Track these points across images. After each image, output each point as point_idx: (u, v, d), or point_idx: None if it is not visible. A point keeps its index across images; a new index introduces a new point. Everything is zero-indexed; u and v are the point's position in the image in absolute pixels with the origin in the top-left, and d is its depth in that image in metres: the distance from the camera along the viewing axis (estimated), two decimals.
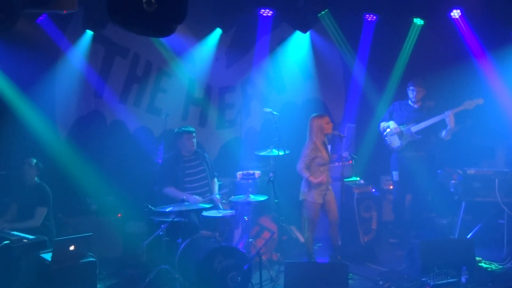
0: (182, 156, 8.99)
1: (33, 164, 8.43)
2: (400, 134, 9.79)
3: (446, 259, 8.15)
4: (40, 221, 8.30)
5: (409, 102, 9.92)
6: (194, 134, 9.00)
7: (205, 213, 8.38)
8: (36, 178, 8.46)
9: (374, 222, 9.79)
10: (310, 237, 8.85)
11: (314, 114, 8.87)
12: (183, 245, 8.01)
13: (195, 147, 9.04)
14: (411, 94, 9.86)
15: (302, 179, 8.79)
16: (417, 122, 9.68)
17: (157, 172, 9.17)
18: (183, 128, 9.03)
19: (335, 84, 11.92)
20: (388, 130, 9.92)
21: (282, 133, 9.55)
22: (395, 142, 9.89)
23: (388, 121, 9.98)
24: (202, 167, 9.07)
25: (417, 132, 9.67)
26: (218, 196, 9.07)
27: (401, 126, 9.79)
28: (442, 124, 9.54)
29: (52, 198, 8.47)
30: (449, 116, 9.41)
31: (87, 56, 9.99)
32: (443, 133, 9.54)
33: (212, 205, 8.61)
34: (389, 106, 10.29)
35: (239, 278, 7.65)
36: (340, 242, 8.98)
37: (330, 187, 8.80)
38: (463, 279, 7.82)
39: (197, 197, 8.71)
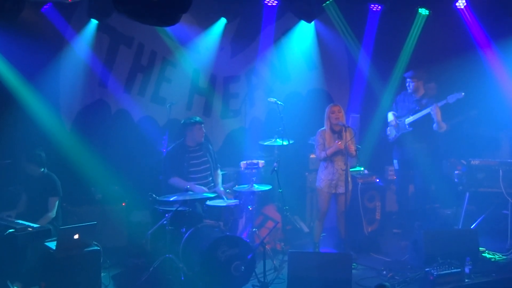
0: (186, 146, 9.01)
1: (30, 160, 8.38)
2: (396, 126, 9.82)
3: (450, 249, 8.15)
4: (54, 211, 8.30)
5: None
6: (203, 125, 9.04)
7: (209, 203, 8.41)
8: (42, 169, 8.43)
9: (378, 213, 9.81)
10: (319, 226, 8.92)
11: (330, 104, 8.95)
12: (187, 235, 8.04)
13: (203, 139, 9.08)
14: (407, 85, 9.87)
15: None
16: (413, 114, 9.68)
17: (162, 162, 9.18)
18: (194, 119, 9.05)
19: (339, 74, 11.92)
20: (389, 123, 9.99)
21: (287, 123, 9.58)
22: (392, 133, 9.95)
23: (395, 111, 10.02)
24: (206, 158, 9.10)
25: (410, 124, 9.69)
26: (221, 188, 9.10)
27: (399, 118, 9.81)
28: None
29: (61, 187, 8.49)
30: (434, 110, 9.39)
31: (91, 45, 9.96)
32: (434, 126, 9.53)
33: (216, 194, 8.63)
34: (394, 96, 10.31)
35: (243, 267, 7.69)
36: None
37: (350, 179, 8.76)
38: (466, 270, 7.84)
39: (202, 187, 8.74)
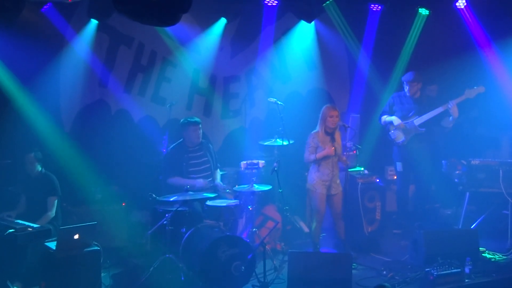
0: (186, 146, 9.01)
1: (33, 158, 8.40)
2: (404, 129, 9.75)
3: (450, 249, 8.15)
4: (53, 210, 8.32)
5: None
6: (200, 126, 9.02)
7: (209, 203, 8.41)
8: (40, 168, 8.44)
9: (378, 213, 9.80)
10: (317, 228, 8.85)
11: (327, 105, 8.91)
12: (187, 235, 8.04)
13: (200, 139, 9.06)
14: (405, 88, 9.83)
15: (306, 168, 8.80)
16: (420, 114, 9.64)
17: (162, 162, 9.20)
18: (189, 119, 9.03)
19: (339, 74, 11.93)
20: (391, 126, 9.88)
21: (287, 123, 9.59)
22: (400, 137, 9.82)
23: (389, 114, 9.93)
24: (206, 158, 9.10)
25: (421, 125, 9.63)
26: (219, 181, 9.11)
27: (404, 121, 9.75)
28: (444, 113, 9.51)
29: (59, 186, 8.49)
30: (452, 107, 9.37)
31: (91, 45, 9.96)
32: (449, 119, 9.49)
33: (216, 194, 8.63)
34: (389, 98, 10.25)
35: (243, 267, 7.69)
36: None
37: (338, 181, 8.77)
38: (466, 270, 7.83)
39: (201, 180, 8.75)
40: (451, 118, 9.44)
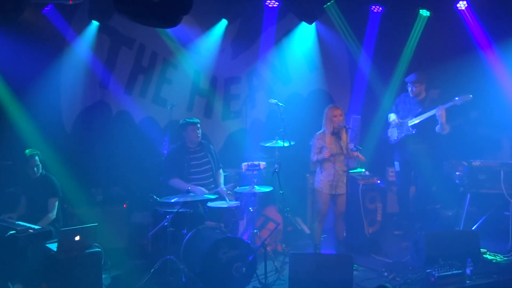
0: (187, 147, 9.01)
1: (38, 160, 8.39)
2: (399, 127, 9.81)
3: (451, 250, 8.14)
4: (54, 212, 8.33)
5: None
6: (199, 126, 9.02)
7: (210, 204, 8.41)
8: (40, 170, 8.43)
9: (379, 214, 9.79)
10: (319, 228, 8.86)
11: (330, 105, 8.90)
12: (188, 236, 8.04)
13: (199, 139, 9.07)
14: (409, 89, 9.87)
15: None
16: (416, 116, 9.67)
17: (163, 163, 9.20)
18: (187, 120, 9.05)
19: (340, 75, 11.92)
20: (391, 124, 9.98)
21: (288, 124, 9.58)
22: (393, 134, 9.93)
23: (395, 113, 10.01)
24: (207, 159, 9.09)
25: (412, 127, 9.67)
26: (223, 188, 9.09)
27: (402, 119, 9.81)
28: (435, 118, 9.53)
29: (60, 188, 8.49)
30: (440, 111, 9.37)
31: (92, 47, 9.97)
32: (437, 128, 9.52)
33: (217, 196, 8.63)
34: (395, 97, 10.30)
35: (244, 269, 7.68)
36: (345, 234, 8.98)
37: (345, 180, 8.75)
38: (468, 271, 7.83)
39: (202, 188, 8.73)
40: (439, 124, 9.43)
